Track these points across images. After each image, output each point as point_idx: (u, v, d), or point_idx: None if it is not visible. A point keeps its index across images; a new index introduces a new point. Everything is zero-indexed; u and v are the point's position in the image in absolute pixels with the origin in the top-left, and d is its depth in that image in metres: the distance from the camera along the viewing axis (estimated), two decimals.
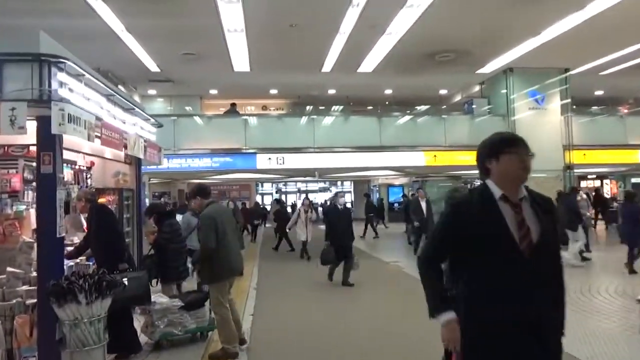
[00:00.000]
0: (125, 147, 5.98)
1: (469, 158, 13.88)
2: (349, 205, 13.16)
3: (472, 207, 2.26)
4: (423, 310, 2.39)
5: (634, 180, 24.01)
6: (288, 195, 37.70)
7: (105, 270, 4.46)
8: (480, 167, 2.39)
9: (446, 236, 2.32)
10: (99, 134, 4.94)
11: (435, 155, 13.73)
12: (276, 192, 40.85)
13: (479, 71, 14.03)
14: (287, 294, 8.38)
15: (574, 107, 14.44)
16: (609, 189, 26.16)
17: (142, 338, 5.46)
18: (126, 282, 4.59)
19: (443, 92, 18.12)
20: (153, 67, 12.95)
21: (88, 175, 6.94)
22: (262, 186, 40.02)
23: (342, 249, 8.66)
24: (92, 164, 7.07)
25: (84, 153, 6.54)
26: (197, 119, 13.07)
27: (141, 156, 6.79)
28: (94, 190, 6.20)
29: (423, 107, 14.92)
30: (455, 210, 2.34)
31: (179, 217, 7.53)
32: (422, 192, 12.13)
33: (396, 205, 29.05)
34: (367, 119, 14.11)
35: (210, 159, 13.02)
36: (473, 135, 13.95)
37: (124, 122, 6.37)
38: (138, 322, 5.65)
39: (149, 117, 7.67)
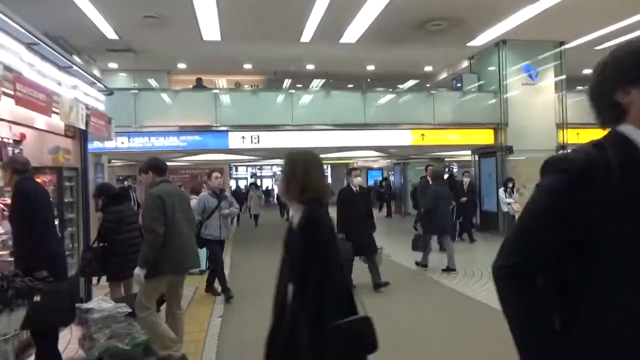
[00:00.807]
0: (57, 113, 4.73)
1: (458, 137, 12.97)
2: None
3: (610, 176, 1.19)
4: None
5: None
6: (264, 180, 36.48)
7: (19, 273, 3.30)
8: (603, 105, 1.35)
9: (555, 231, 1.24)
10: (9, 90, 3.70)
11: (422, 134, 12.75)
12: (251, 177, 39.53)
13: (470, 43, 13.02)
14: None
15: (568, 84, 13.62)
16: None
17: (80, 354, 4.32)
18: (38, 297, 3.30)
19: (428, 69, 17.11)
20: (110, 33, 11.48)
21: (17, 151, 5.65)
22: (236, 170, 38.64)
23: (360, 246, 6.55)
24: (23, 136, 5.76)
25: (8, 121, 5.25)
26: (162, 93, 11.73)
27: (81, 126, 5.53)
28: (25, 158, 4.79)
29: (409, 83, 13.83)
30: (576, 181, 1.22)
31: (193, 201, 6.24)
32: (432, 171, 10.80)
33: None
34: (350, 94, 12.98)
35: (177, 137, 11.73)
36: (463, 113, 13.03)
37: (60, 84, 5.12)
38: (72, 335, 4.50)
39: (96, 81, 6.37)
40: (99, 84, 6.50)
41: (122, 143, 11.51)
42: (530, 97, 13.01)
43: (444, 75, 16.99)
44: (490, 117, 13.09)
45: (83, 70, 5.84)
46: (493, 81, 13.29)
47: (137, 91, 11.64)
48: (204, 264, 7.15)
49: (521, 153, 12.57)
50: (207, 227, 6.54)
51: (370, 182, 28.27)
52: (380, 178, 28.08)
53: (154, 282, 3.94)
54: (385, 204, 24.25)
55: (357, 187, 7.05)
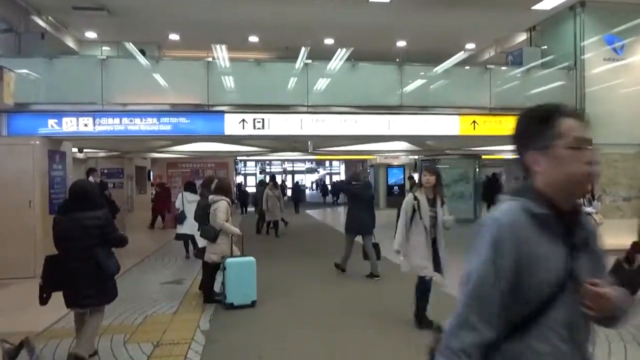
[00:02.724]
0: None
1: None
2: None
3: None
4: None
5: None
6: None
7: None
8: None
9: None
10: None
11: (474, 122, 9.89)
12: (260, 173, 36.82)
13: (536, 7, 10.14)
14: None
15: None
16: None
17: None
18: None
19: (470, 46, 14.17)
20: None
21: None
22: (244, 165, 35.98)
23: None
24: None
25: None
26: (139, 60, 8.98)
27: None
28: None
29: (455, 59, 10.85)
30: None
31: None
32: None
33: (396, 188, 25.41)
34: (383, 68, 10.14)
35: (157, 119, 8.99)
36: (526, 96, 10.14)
37: None
38: None
39: None
40: None
41: (86, 125, 8.83)
42: (614, 76, 10.09)
43: (489, 54, 14.05)
44: (562, 101, 10.17)
45: None
46: (565, 57, 10.38)
47: (104, 57, 8.92)
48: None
49: (601, 148, 9.66)
50: None
51: (392, 181, 25.45)
52: (401, 176, 25.25)
53: None
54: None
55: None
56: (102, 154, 16.02)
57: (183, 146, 13.58)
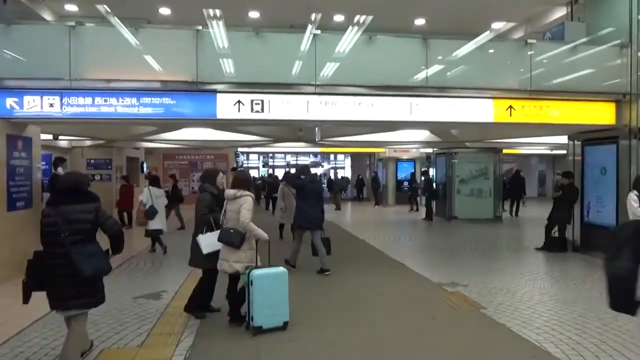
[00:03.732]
0: None
1: (560, 113, 8.66)
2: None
3: None
4: None
5: None
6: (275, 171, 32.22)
7: None
8: None
9: None
10: None
11: (510, 107, 8.42)
12: (263, 167, 35.39)
13: None
14: None
15: None
16: None
17: None
18: None
19: (497, 25, 12.57)
20: None
21: None
22: (247, 158, 34.55)
23: None
24: None
25: None
26: (115, 27, 7.50)
27: None
28: None
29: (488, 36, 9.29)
30: None
31: None
32: None
33: (405, 184, 23.93)
34: (405, 41, 8.63)
35: (137, 99, 7.55)
36: (571, 78, 8.67)
37: None
38: None
39: None
40: None
41: (52, 105, 7.39)
42: None
43: (519, 34, 12.51)
44: (612, 84, 8.72)
45: None
46: (616, 33, 8.87)
47: (73, 24, 7.45)
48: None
49: None
50: None
51: (401, 176, 23.96)
52: (412, 170, 23.76)
53: None
54: (417, 203, 20.13)
55: None
56: (88, 142, 14.66)
57: (172, 133, 12.13)
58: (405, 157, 24.13)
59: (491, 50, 8.72)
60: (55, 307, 3.79)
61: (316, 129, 9.17)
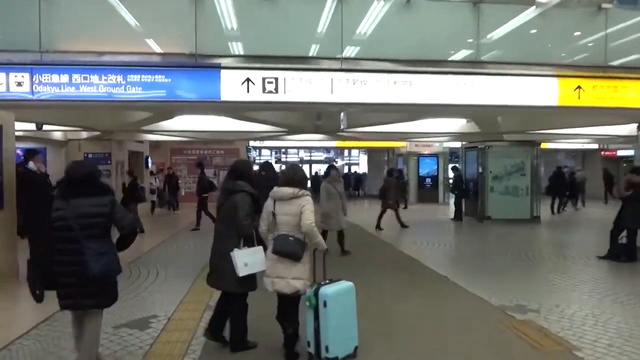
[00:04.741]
0: None
1: (637, 94, 7.09)
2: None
3: None
4: None
5: None
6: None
7: None
8: None
9: None
10: None
11: (579, 87, 6.87)
12: (276, 162, 34.05)
13: None
14: None
15: None
16: None
17: None
18: None
19: None
20: None
21: None
22: (259, 153, 33.23)
23: None
24: None
25: None
26: None
27: None
28: None
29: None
30: None
31: None
32: None
33: (428, 181, 22.38)
34: (451, 6, 7.09)
35: (123, 76, 6.16)
36: None
37: None
38: None
39: None
40: None
41: (20, 85, 6.04)
42: None
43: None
44: None
45: None
46: None
47: None
48: None
49: None
50: None
51: (424, 172, 22.35)
52: (435, 167, 22.20)
53: None
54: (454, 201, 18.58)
55: None
56: (84, 134, 13.37)
57: (174, 123, 10.70)
58: (426, 151, 22.56)
59: (556, 18, 7.14)
60: (66, 306, 3.54)
61: (341, 114, 7.71)
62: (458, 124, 11.72)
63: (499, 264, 8.23)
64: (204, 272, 4.49)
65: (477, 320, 5.13)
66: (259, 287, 4.10)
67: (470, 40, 6.73)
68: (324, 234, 8.69)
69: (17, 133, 10.24)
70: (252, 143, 23.58)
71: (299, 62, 6.38)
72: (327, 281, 4.01)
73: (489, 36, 6.74)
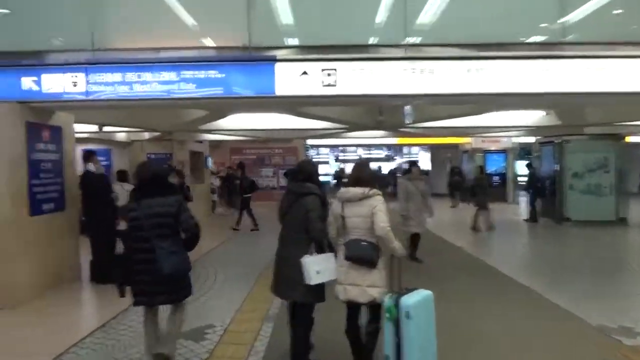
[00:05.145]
0: None
1: None
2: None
3: None
4: None
5: None
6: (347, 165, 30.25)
7: None
8: None
9: None
10: None
11: None
12: (335, 161, 33.60)
13: None
14: None
15: None
16: None
17: None
18: None
19: None
20: None
21: None
22: (317, 151, 32.99)
23: None
24: None
25: None
26: None
27: None
28: None
29: None
30: None
31: None
32: None
33: (496, 179, 21.04)
34: None
35: (176, 73, 5.92)
36: None
37: None
38: None
39: None
40: None
41: (75, 84, 5.96)
42: None
43: None
44: None
45: None
46: None
47: None
48: None
49: None
50: None
51: (491, 169, 21.03)
52: (502, 164, 20.84)
53: None
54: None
55: None
56: (147, 135, 13.58)
57: (229, 122, 10.44)
58: (493, 147, 21.24)
59: None
60: (140, 302, 3.67)
61: (405, 108, 7.09)
62: (534, 117, 10.67)
63: (589, 274, 7.29)
64: (263, 277, 4.15)
65: (573, 344, 4.39)
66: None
67: (557, 19, 5.90)
68: (415, 237, 8.04)
69: (81, 135, 10.55)
70: (309, 141, 23.30)
71: (359, 51, 5.86)
72: (405, 290, 3.54)
73: (577, 10, 5.87)
